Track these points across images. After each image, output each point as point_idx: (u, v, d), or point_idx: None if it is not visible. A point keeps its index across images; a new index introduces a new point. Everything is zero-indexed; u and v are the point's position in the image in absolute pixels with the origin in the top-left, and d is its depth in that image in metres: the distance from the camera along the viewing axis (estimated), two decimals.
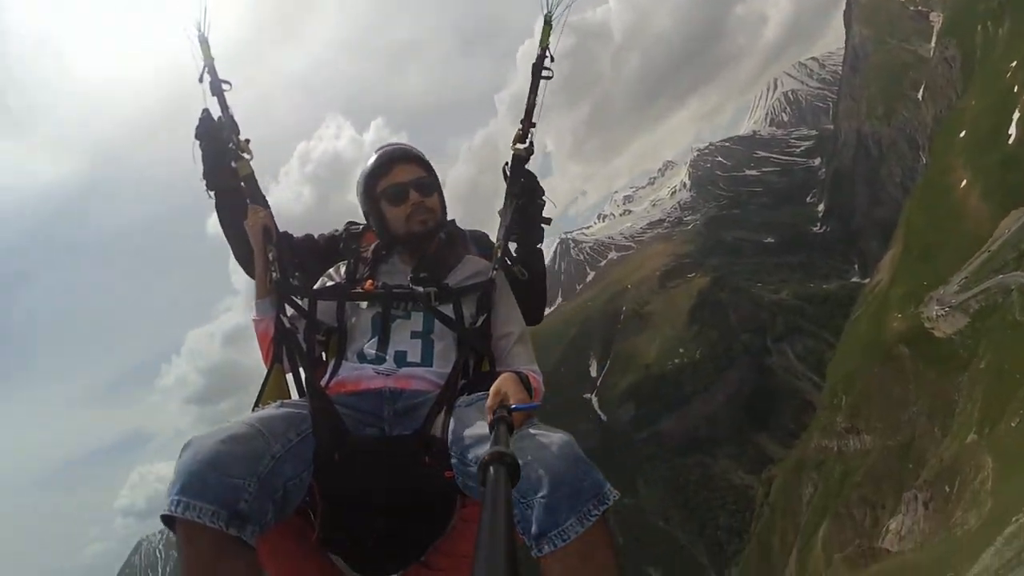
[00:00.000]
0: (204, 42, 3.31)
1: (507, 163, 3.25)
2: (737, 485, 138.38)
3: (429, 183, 3.04)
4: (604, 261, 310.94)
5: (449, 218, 3.29)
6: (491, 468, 1.24)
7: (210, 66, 3.29)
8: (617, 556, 1.97)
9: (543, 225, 3.29)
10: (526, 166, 3.24)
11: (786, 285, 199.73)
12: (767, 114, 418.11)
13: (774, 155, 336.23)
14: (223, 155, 3.25)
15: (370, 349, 2.77)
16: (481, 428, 2.25)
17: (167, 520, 1.91)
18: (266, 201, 3.25)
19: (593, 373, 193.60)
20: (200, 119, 3.24)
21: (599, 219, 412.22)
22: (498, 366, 2.83)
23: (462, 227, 3.40)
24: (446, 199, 3.26)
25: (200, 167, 3.28)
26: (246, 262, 3.28)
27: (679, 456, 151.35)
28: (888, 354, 70.55)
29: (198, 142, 3.25)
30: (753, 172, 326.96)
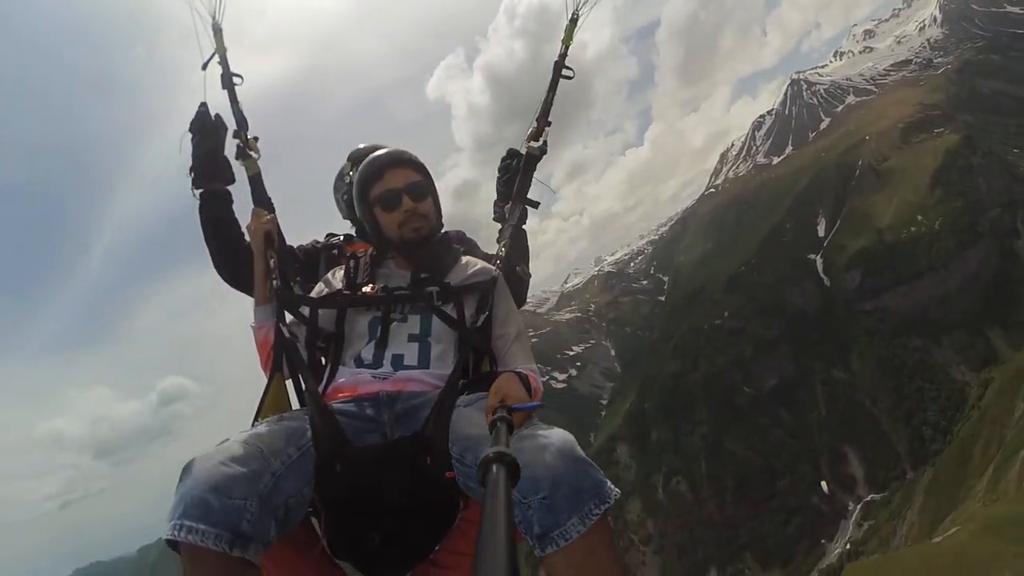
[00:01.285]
0: (218, 30, 3.28)
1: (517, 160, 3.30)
2: (956, 380, 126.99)
3: (423, 187, 3.01)
4: (840, 106, 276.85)
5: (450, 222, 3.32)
6: (491, 468, 1.26)
7: (222, 56, 3.28)
8: (620, 554, 2.03)
9: (529, 207, 3.34)
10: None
11: None
12: None
13: None
14: (216, 153, 3.23)
15: (367, 354, 2.80)
16: (481, 428, 2.25)
17: (172, 544, 1.93)
18: (271, 204, 3.24)
19: (820, 232, 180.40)
20: (197, 112, 3.21)
21: (836, 57, 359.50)
22: (498, 365, 2.89)
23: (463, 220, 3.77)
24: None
25: (189, 162, 3.21)
26: (228, 269, 3.26)
27: (900, 336, 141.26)
28: None
29: (191, 136, 3.21)
30: (1016, 9, 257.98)
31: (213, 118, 3.24)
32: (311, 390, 2.61)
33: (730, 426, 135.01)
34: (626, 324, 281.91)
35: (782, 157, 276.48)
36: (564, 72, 3.31)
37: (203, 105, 3.19)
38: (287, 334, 2.85)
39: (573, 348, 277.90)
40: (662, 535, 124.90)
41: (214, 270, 3.29)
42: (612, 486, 2.01)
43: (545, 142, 3.31)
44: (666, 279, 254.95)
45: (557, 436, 2.08)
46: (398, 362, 2.74)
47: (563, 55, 3.30)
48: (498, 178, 3.44)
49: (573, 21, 3.32)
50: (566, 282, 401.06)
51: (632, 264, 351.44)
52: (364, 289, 2.89)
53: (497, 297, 2.98)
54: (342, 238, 3.46)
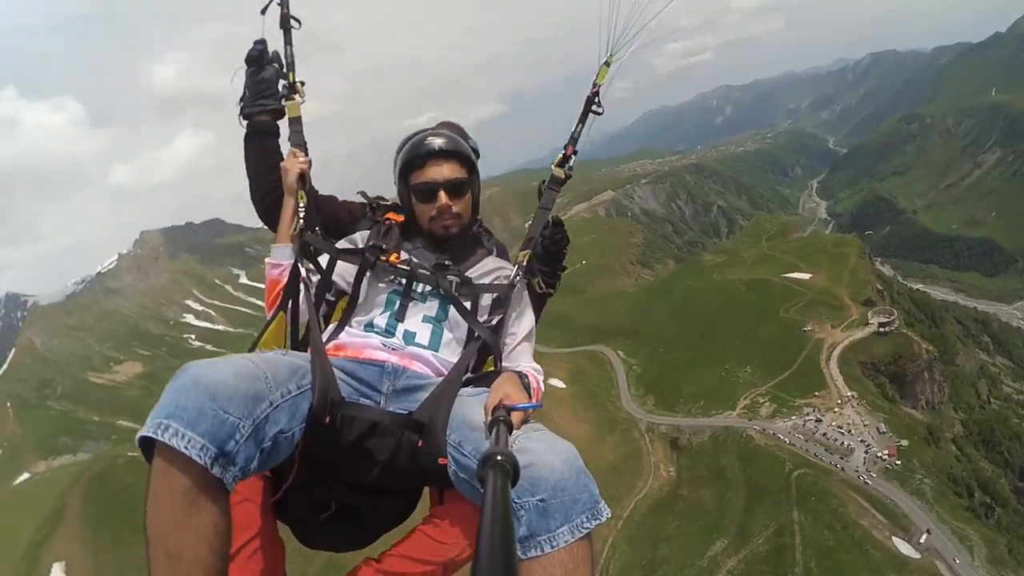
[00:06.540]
0: None
1: (543, 182, 3.56)
2: None
3: (462, 184, 3.11)
4: None
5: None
6: (492, 468, 1.36)
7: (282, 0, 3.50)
8: None
9: (560, 272, 3.59)
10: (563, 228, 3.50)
11: None
12: None
13: None
14: (268, 88, 3.46)
15: (381, 321, 2.93)
16: (481, 421, 2.34)
17: (145, 444, 1.90)
18: (307, 148, 3.40)
19: None
20: (254, 46, 3.45)
21: None
22: (501, 364, 3.01)
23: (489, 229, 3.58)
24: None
25: (240, 93, 3.48)
26: (262, 199, 3.46)
27: None
28: None
29: (247, 67, 3.47)
30: None
31: (271, 54, 3.50)
32: (315, 336, 2.70)
33: None
34: None
35: None
36: (595, 109, 3.57)
37: (261, 41, 3.47)
38: (303, 275, 3.00)
39: None
40: None
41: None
42: (605, 506, 2.07)
43: (571, 168, 3.57)
44: None
45: (564, 444, 2.16)
46: (410, 338, 2.89)
47: (595, 93, 3.56)
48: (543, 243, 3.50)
49: (607, 65, 3.53)
50: None
51: None
52: (389, 256, 3.05)
53: (513, 302, 3.14)
54: (390, 203, 3.47)
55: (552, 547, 1.95)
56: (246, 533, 2.46)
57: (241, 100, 3.50)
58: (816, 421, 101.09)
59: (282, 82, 3.52)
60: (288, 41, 3.54)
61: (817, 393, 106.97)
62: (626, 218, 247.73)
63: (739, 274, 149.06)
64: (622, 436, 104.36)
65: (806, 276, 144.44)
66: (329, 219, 3.44)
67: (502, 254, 3.50)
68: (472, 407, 2.49)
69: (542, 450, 2.10)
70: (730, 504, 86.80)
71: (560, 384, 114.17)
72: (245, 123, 3.51)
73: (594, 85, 3.57)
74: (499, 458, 1.40)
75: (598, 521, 2.03)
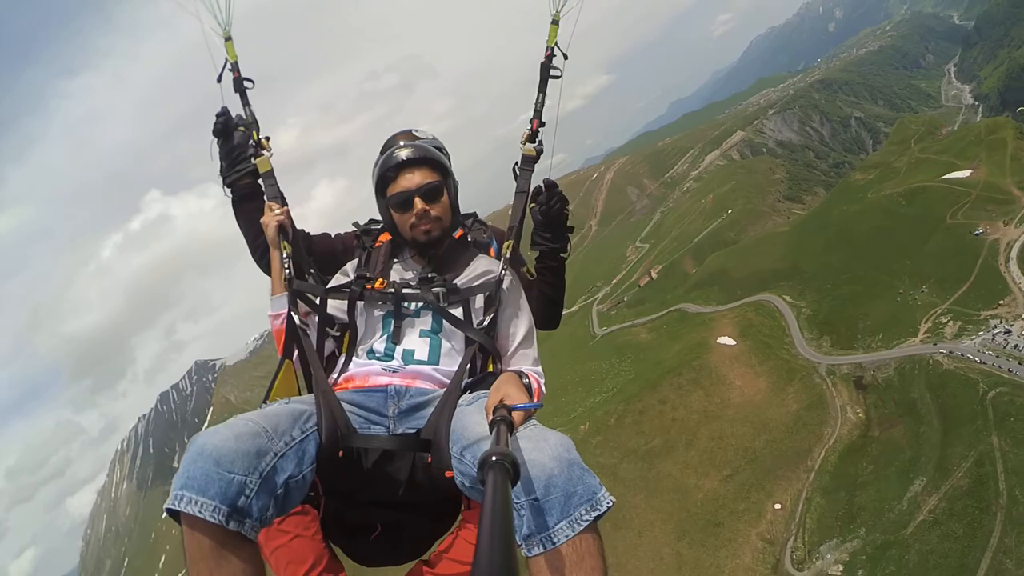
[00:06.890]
0: (228, 39, 3.73)
1: (517, 163, 3.55)
2: None
3: (436, 188, 3.22)
4: None
5: (471, 211, 3.54)
6: (491, 468, 1.42)
7: (233, 65, 3.71)
8: (606, 565, 2.10)
9: (567, 235, 3.58)
10: (551, 179, 3.50)
11: None
12: None
13: None
14: (241, 153, 3.64)
15: (379, 346, 3.08)
16: (482, 427, 2.42)
17: (172, 514, 2.11)
18: (284, 199, 3.55)
19: None
20: (218, 117, 3.64)
21: None
22: (503, 365, 3.14)
23: (484, 219, 3.65)
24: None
25: (217, 164, 3.66)
26: (261, 258, 3.63)
27: None
28: None
29: (216, 140, 3.64)
30: None
31: (235, 119, 3.66)
32: (317, 377, 2.89)
33: None
34: None
35: None
36: (552, 73, 3.53)
37: (222, 112, 3.62)
38: (298, 322, 3.18)
39: None
40: None
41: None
42: (607, 494, 2.12)
43: (541, 142, 3.51)
44: None
45: (555, 438, 2.21)
46: (409, 356, 3.01)
47: (548, 57, 3.52)
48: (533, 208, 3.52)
49: (555, 23, 3.52)
50: None
51: None
52: (374, 282, 3.18)
53: (505, 296, 3.20)
54: (381, 227, 3.56)
55: (553, 543, 2.03)
56: (303, 566, 2.78)
57: (220, 171, 3.74)
58: (1005, 333, 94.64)
59: (251, 142, 3.70)
60: (245, 102, 3.77)
61: (1001, 301, 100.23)
62: (762, 155, 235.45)
63: (894, 187, 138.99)
64: (802, 384, 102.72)
65: (965, 173, 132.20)
66: (326, 257, 3.66)
67: (503, 241, 3.53)
68: (471, 415, 2.59)
69: (529, 449, 2.16)
70: (925, 439, 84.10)
71: (730, 341, 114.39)
72: (229, 192, 3.75)
73: (547, 48, 3.57)
74: (494, 458, 1.44)
75: (598, 512, 2.09)
